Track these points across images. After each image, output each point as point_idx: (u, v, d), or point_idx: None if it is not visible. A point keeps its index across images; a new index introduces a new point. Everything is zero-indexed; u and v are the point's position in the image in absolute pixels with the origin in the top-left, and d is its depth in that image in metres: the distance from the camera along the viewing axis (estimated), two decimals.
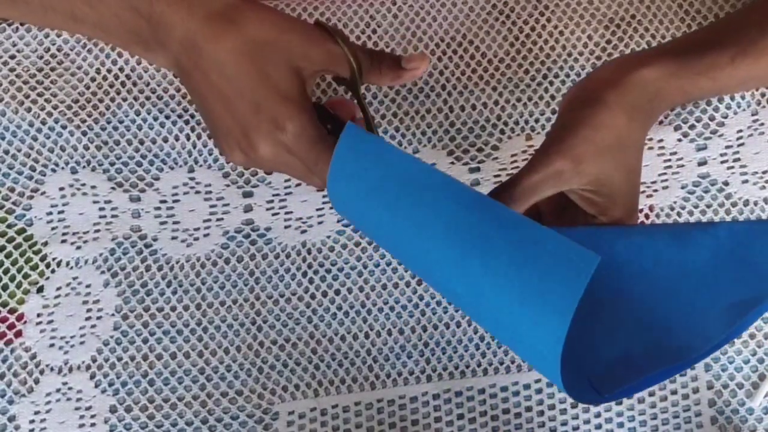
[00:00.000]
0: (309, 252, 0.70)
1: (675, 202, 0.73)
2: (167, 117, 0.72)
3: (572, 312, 0.49)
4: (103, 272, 0.69)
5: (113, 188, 0.70)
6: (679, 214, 0.72)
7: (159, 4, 0.60)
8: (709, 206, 0.72)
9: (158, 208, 0.70)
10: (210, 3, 0.60)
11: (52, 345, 0.67)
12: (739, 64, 0.62)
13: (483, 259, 0.53)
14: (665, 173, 0.73)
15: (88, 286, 0.68)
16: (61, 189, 0.70)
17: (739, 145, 0.74)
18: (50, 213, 0.70)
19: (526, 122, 0.74)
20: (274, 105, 0.58)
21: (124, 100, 0.72)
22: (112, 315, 0.68)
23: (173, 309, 0.69)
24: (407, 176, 0.56)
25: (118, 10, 0.61)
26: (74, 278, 0.68)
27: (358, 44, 0.66)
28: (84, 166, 0.71)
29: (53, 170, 0.70)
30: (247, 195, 0.71)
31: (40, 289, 0.68)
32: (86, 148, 0.71)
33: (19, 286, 0.68)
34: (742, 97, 0.75)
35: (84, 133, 0.71)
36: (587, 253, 0.49)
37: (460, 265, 0.54)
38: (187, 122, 0.72)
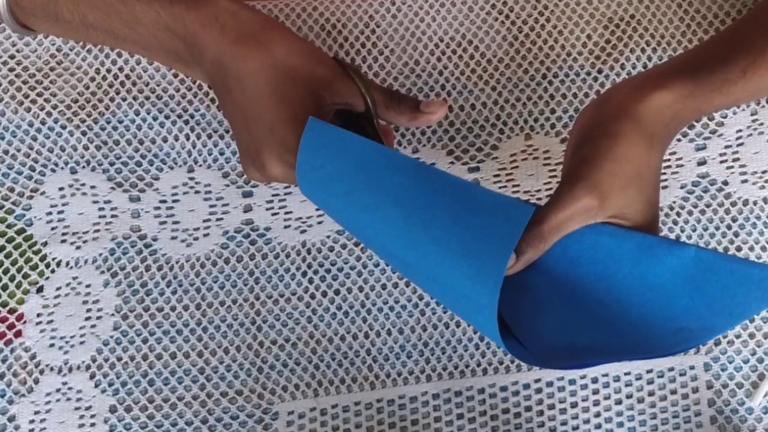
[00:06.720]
0: (309, 252, 0.70)
1: (674, 202, 0.73)
2: (167, 117, 0.72)
3: (509, 256, 0.54)
4: (102, 272, 0.69)
5: (113, 188, 0.71)
6: (678, 214, 0.72)
7: (193, 25, 0.62)
8: (708, 206, 0.73)
9: (158, 208, 0.70)
10: (241, 25, 0.62)
11: (52, 345, 0.67)
12: (751, 76, 0.62)
13: (426, 226, 0.56)
14: (664, 173, 0.73)
15: (88, 286, 0.68)
16: (61, 189, 0.70)
17: (738, 145, 0.74)
18: (50, 213, 0.70)
19: (526, 122, 0.74)
20: (288, 127, 0.60)
21: (124, 100, 0.72)
22: (112, 315, 0.68)
23: (173, 309, 0.69)
24: (362, 162, 0.58)
25: (155, 31, 0.63)
26: (74, 278, 0.68)
27: (373, 81, 0.68)
28: (84, 166, 0.71)
29: (53, 170, 0.70)
30: (247, 195, 0.71)
31: (39, 289, 0.68)
32: (86, 148, 0.71)
33: (18, 286, 0.68)
34: None
35: (84, 133, 0.71)
36: (523, 205, 0.54)
37: (407, 236, 0.57)
38: (186, 122, 0.72)
